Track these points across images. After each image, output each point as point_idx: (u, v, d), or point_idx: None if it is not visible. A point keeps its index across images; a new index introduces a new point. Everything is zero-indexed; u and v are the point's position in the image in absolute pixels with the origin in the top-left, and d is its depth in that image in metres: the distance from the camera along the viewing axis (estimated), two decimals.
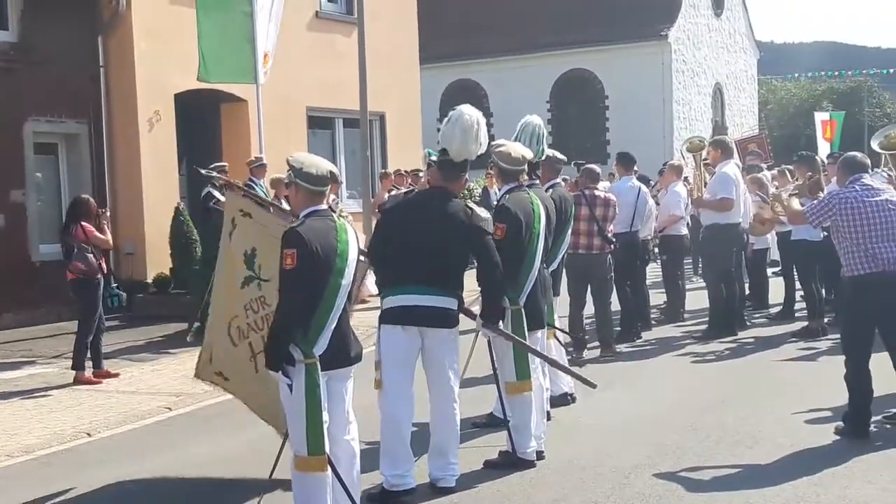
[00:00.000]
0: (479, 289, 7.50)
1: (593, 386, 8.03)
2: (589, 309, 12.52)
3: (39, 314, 15.93)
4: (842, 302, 9.54)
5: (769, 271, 16.54)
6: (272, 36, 15.33)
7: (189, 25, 17.48)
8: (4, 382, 11.80)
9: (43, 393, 11.24)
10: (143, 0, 17.19)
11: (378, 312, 7.27)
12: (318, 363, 6.06)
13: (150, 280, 16.92)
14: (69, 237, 11.69)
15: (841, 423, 8.28)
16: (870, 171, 8.90)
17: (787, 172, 15.46)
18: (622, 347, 12.72)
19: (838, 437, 8.18)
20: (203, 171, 9.98)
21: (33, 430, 9.62)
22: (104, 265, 11.99)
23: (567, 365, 9.34)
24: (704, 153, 14.69)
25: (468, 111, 7.34)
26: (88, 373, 11.62)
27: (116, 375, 11.87)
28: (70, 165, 17.23)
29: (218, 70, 14.73)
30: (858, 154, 8.99)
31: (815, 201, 9.27)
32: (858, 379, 8.19)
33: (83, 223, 11.67)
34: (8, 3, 16.12)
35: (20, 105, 16.13)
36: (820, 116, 32.92)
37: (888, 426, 8.44)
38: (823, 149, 26.59)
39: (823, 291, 13.69)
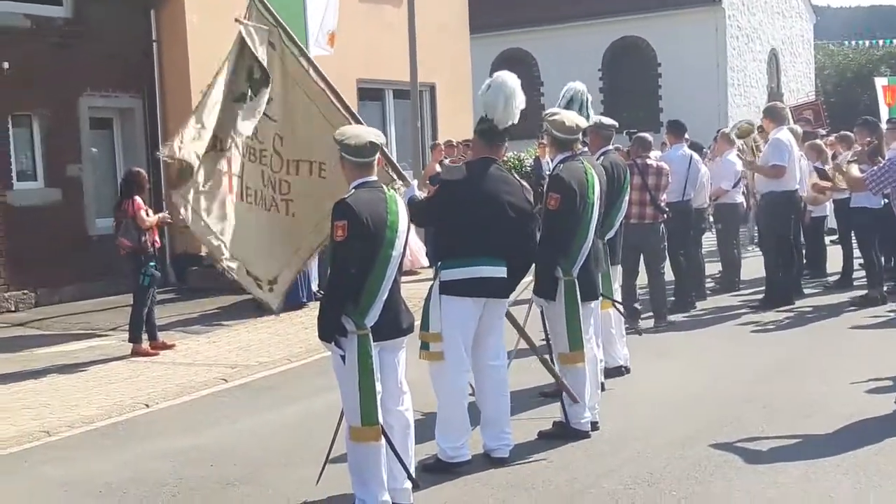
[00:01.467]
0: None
1: (576, 401, 7.78)
2: (642, 279, 12.42)
3: (97, 287, 16.11)
4: None
5: (826, 239, 16.32)
6: (332, 13, 15.17)
7: None
8: (65, 355, 11.97)
9: (102, 365, 11.37)
10: None
11: (425, 285, 7.27)
12: (370, 334, 6.06)
13: (203, 254, 17.02)
14: (119, 212, 11.79)
15: None
16: None
17: (846, 138, 15.28)
18: (677, 317, 12.63)
19: None
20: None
21: (93, 401, 9.74)
22: (157, 240, 12.03)
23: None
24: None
25: (507, 77, 7.29)
26: (145, 345, 11.77)
27: (172, 347, 12.02)
28: (125, 140, 17.42)
29: None
30: None
31: (875, 167, 9.10)
32: None
33: (135, 197, 11.75)
34: None
35: (75, 80, 16.28)
36: (880, 82, 32.38)
37: None
38: (885, 114, 26.19)
39: (882, 259, 13.48)
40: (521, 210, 7.22)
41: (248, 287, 7.63)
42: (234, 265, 7.44)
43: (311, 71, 7.42)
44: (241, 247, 7.39)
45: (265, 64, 7.26)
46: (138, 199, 11.72)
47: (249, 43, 7.25)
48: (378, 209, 6.18)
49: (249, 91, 7.24)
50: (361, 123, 7.09)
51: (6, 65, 15.24)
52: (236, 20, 7.55)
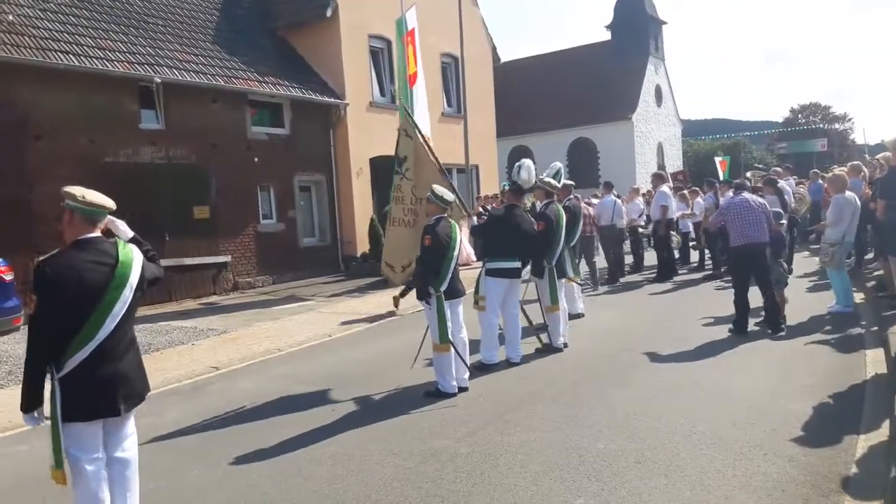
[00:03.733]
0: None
1: (556, 333, 7.74)
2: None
3: (302, 275, 16.28)
4: (729, 259, 9.11)
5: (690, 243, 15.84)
6: (426, 126, 15.07)
7: (376, 122, 17.64)
8: (286, 310, 12.01)
9: (305, 314, 11.42)
10: (354, 109, 17.37)
11: (475, 271, 7.26)
12: (443, 295, 6.05)
13: (358, 255, 17.17)
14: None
15: (731, 326, 7.99)
16: (747, 187, 8.70)
17: (697, 189, 15.09)
18: (605, 287, 12.42)
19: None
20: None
21: (303, 332, 9.77)
22: None
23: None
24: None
25: (530, 163, 7.37)
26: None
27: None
28: (317, 197, 17.51)
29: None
30: (741, 180, 8.88)
31: (717, 210, 9.04)
32: (744, 296, 7.86)
33: None
34: (284, 113, 16.41)
35: (292, 166, 16.43)
36: (717, 159, 32.11)
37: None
38: (721, 177, 25.75)
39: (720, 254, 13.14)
40: (530, 232, 7.24)
41: (384, 272, 7.73)
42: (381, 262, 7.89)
43: (427, 146, 7.44)
44: (386, 250, 7.57)
45: (403, 149, 7.39)
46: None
47: (400, 138, 7.45)
48: (447, 231, 6.18)
49: (401, 165, 7.41)
50: (448, 177, 7.15)
51: (256, 159, 15.49)
52: (399, 128, 7.81)
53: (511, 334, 7.23)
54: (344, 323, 10.40)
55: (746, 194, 8.15)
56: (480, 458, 4.64)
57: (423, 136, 7.39)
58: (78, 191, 3.35)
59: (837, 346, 7.13)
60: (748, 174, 14.85)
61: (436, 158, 7.28)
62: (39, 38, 12.35)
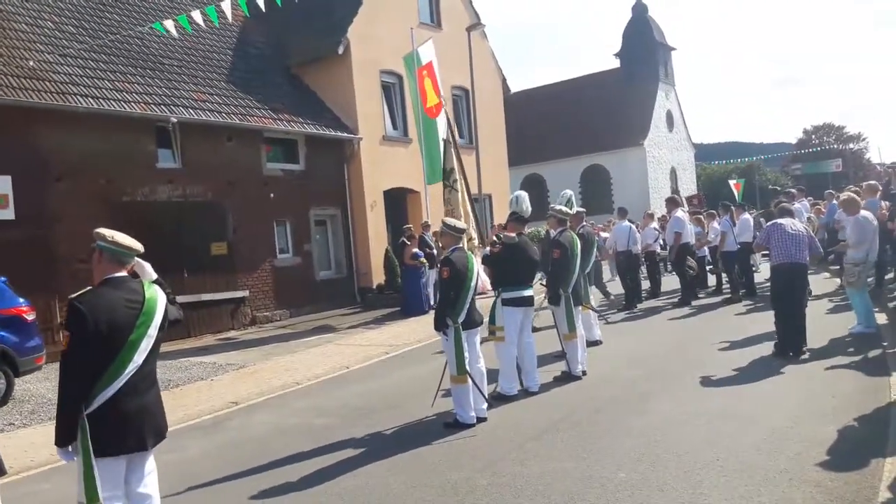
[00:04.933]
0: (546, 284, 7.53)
1: (574, 362, 7.67)
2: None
3: (319, 307, 16.30)
4: (771, 279, 8.77)
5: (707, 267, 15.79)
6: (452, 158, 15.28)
7: (389, 155, 17.84)
8: (304, 343, 12.03)
9: (323, 347, 11.42)
10: (367, 144, 17.55)
11: (489, 300, 7.26)
12: (460, 326, 6.05)
13: (374, 287, 17.20)
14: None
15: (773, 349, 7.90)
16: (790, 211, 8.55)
17: (712, 212, 15.04)
18: (623, 314, 12.34)
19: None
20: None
21: (320, 365, 9.82)
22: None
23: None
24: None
25: (524, 194, 7.54)
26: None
27: None
28: (333, 231, 17.63)
29: (431, 178, 14.52)
30: (788, 205, 8.86)
31: (762, 231, 8.72)
32: (784, 320, 7.79)
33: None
34: (299, 149, 16.63)
35: (307, 201, 16.58)
36: (731, 182, 32.18)
37: None
38: (738, 199, 25.77)
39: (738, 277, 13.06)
40: (535, 259, 7.32)
41: None
42: None
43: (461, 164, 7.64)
44: None
45: (449, 161, 7.72)
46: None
47: (446, 149, 7.73)
48: (464, 261, 6.21)
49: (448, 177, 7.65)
50: (472, 199, 7.40)
51: (272, 195, 15.66)
52: (444, 139, 8.23)
53: (528, 363, 7.20)
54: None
55: (788, 219, 8.12)
56: (500, 489, 4.60)
57: (457, 153, 7.61)
58: (108, 232, 3.47)
59: (860, 367, 7.03)
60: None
61: (464, 179, 7.45)
62: (59, 83, 12.68)
